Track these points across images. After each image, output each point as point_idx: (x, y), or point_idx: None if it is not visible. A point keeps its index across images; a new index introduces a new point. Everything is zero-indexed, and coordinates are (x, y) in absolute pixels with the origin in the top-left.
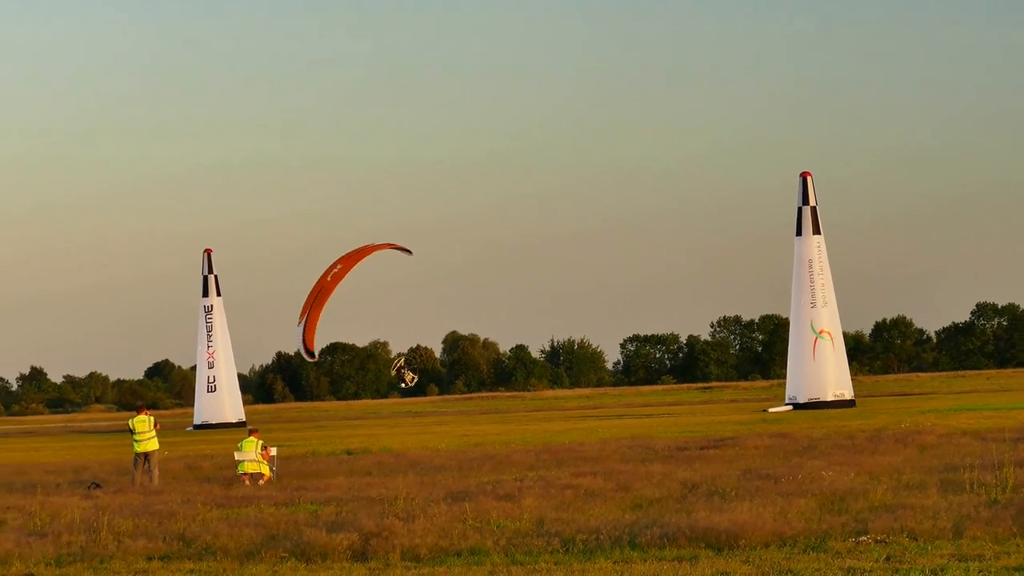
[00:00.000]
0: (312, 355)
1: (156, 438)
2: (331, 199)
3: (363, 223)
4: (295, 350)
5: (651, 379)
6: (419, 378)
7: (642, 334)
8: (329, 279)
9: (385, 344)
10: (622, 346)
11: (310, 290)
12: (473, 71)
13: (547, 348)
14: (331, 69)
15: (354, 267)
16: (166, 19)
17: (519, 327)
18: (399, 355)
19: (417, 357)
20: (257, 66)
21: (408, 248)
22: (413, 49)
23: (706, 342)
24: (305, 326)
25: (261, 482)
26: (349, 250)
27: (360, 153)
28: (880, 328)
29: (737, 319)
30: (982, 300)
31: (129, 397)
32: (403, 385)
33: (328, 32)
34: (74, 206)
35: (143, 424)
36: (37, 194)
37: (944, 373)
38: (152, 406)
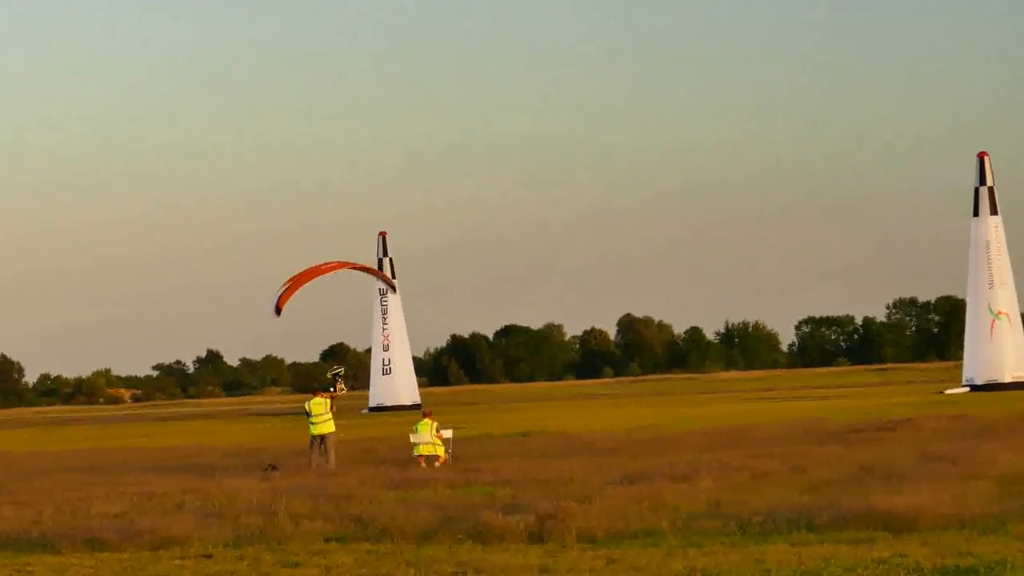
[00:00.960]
0: (278, 313)
1: (332, 420)
2: (507, 183)
3: (535, 208)
4: (470, 332)
5: (826, 361)
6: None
7: (817, 316)
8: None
9: (560, 327)
10: (797, 328)
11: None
12: (669, 60)
13: (721, 330)
14: (520, 51)
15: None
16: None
17: (693, 309)
18: (336, 368)
19: (350, 371)
20: (438, 49)
21: (391, 282)
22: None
23: (882, 323)
24: (285, 291)
25: (437, 464)
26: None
27: (537, 137)
28: None
29: (913, 300)
30: None
31: (305, 379)
32: (332, 391)
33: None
34: (252, 193)
35: (319, 406)
36: (218, 184)
37: None
38: (327, 388)
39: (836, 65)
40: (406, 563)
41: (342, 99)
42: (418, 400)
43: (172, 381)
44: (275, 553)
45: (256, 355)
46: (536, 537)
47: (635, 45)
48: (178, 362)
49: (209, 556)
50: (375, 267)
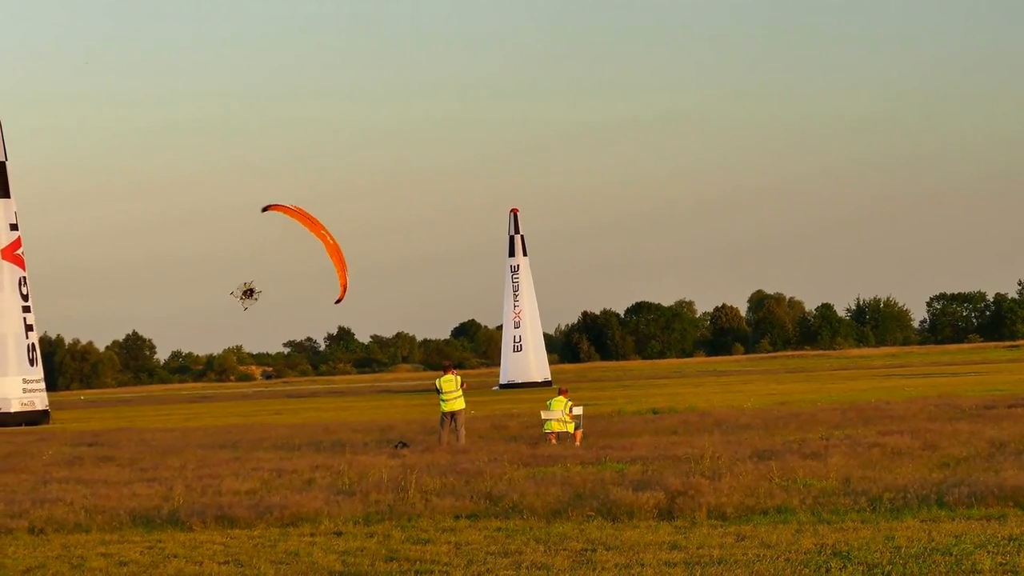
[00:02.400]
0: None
1: (463, 397)
2: (638, 161)
3: (667, 186)
4: (600, 309)
5: (958, 337)
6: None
7: (948, 292)
8: (331, 241)
9: (691, 303)
10: (928, 304)
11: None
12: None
13: (853, 307)
14: (653, 29)
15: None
16: None
17: (825, 286)
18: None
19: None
20: (573, 31)
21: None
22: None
23: (1014, 300)
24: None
25: (576, 443)
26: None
27: (668, 116)
28: None
29: None
30: None
31: (435, 357)
32: (244, 304)
33: None
34: (384, 174)
35: (450, 383)
36: (351, 167)
37: None
38: (459, 366)
39: (971, 49)
40: (536, 540)
41: (474, 79)
42: (548, 377)
43: (303, 358)
44: (405, 530)
45: (387, 332)
46: (666, 514)
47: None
48: (309, 339)
49: (339, 533)
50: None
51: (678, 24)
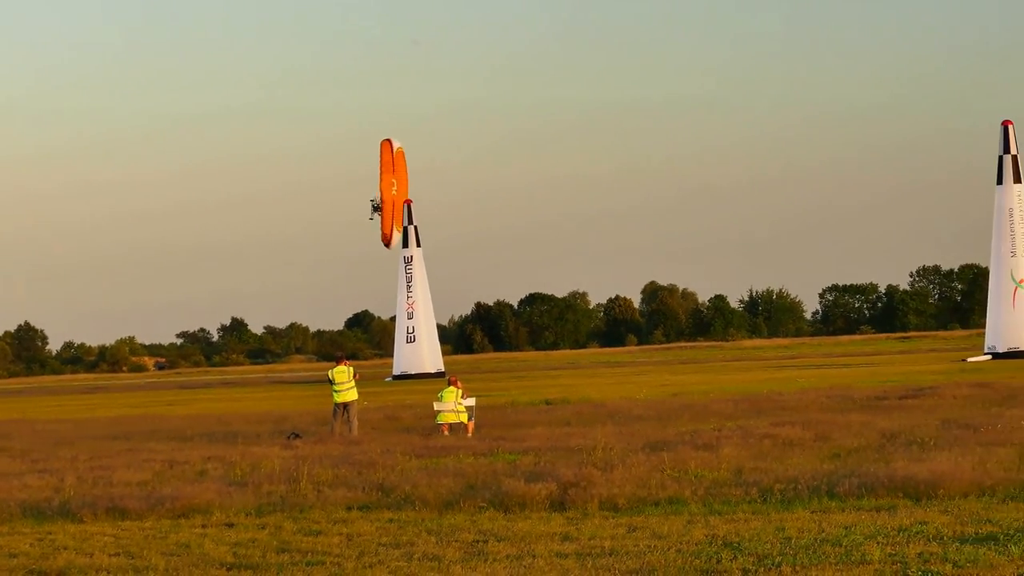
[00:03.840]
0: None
1: (356, 388)
2: (531, 152)
3: (560, 176)
4: (494, 300)
5: (850, 329)
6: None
7: (841, 284)
8: (394, 192)
9: (584, 294)
10: (820, 296)
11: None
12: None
13: (746, 298)
14: (529, 17)
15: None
16: None
17: (718, 277)
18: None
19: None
20: (462, 15)
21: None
22: None
23: (905, 292)
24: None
25: (468, 433)
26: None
27: (558, 98)
28: None
29: (936, 268)
30: None
31: (329, 348)
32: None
33: None
34: (278, 156)
35: (343, 374)
36: (248, 145)
37: None
38: (352, 356)
39: (852, 31)
40: (427, 531)
41: (319, 70)
42: (442, 368)
43: (196, 349)
44: (297, 521)
45: (280, 323)
46: (558, 505)
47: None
48: (202, 330)
49: (231, 524)
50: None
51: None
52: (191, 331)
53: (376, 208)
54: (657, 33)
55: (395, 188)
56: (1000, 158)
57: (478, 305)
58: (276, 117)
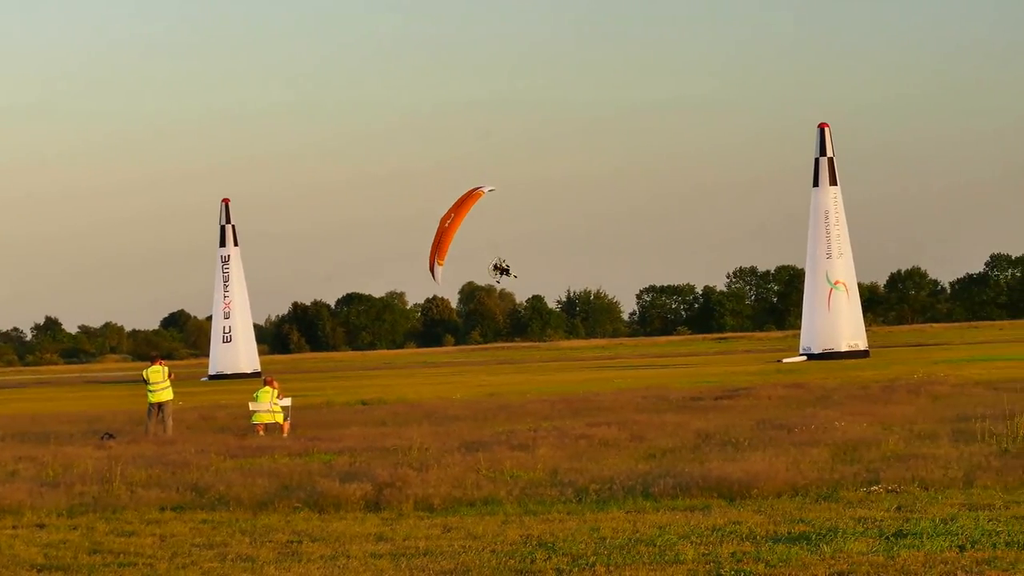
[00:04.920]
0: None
1: (170, 388)
2: (355, 154)
3: (376, 167)
4: (311, 300)
5: (667, 330)
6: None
7: (658, 285)
8: (447, 224)
9: (402, 295)
10: (638, 297)
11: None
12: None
13: (563, 298)
14: (340, 19)
15: (464, 215)
16: None
17: (535, 278)
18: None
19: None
20: (271, 14)
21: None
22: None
23: (722, 293)
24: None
25: (284, 434)
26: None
27: (375, 99)
28: (895, 279)
29: (753, 270)
30: (996, 251)
31: (144, 347)
32: (501, 277)
33: None
34: (90, 153)
35: (157, 374)
36: (53, 141)
37: (958, 324)
38: (167, 356)
39: (672, 29)
40: (241, 532)
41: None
42: (258, 368)
43: (9, 348)
44: (110, 522)
45: (95, 322)
46: (373, 505)
47: None
48: (15, 329)
49: (42, 526)
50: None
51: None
52: (4, 330)
53: (503, 271)
54: (460, 37)
55: (449, 221)
56: (816, 160)
57: (295, 305)
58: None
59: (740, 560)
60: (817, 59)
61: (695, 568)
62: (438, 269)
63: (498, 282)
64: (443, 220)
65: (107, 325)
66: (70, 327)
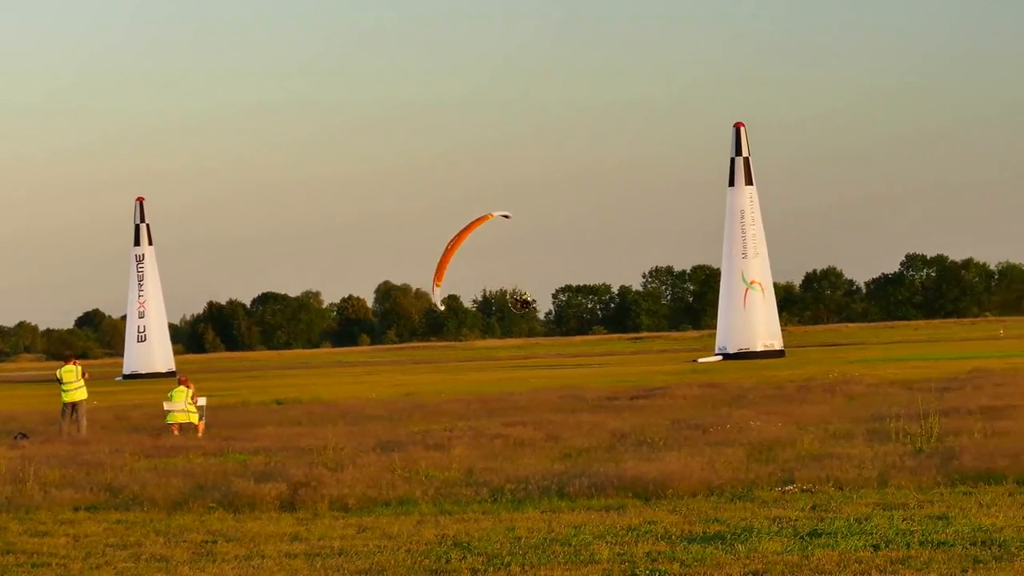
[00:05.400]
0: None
1: (85, 388)
2: (265, 147)
3: (294, 170)
4: (226, 299)
5: (582, 329)
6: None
7: (574, 284)
8: (449, 247)
9: (317, 294)
10: (554, 296)
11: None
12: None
13: (479, 298)
14: (257, 16)
15: (465, 237)
16: None
17: (451, 277)
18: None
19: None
20: (199, 15)
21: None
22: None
23: (637, 292)
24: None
25: (199, 434)
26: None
27: (295, 99)
28: (810, 279)
29: (669, 269)
30: (911, 251)
31: (58, 347)
32: (524, 309)
33: None
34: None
35: (71, 374)
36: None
37: (873, 324)
38: (82, 356)
39: (593, 31)
40: (156, 532)
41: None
42: (173, 367)
43: None
44: (23, 522)
45: (8, 322)
46: (288, 505)
47: None
48: None
49: None
50: None
51: None
52: None
53: (524, 304)
54: (432, 37)
55: (451, 244)
56: (732, 160)
57: (210, 304)
58: None
59: (655, 560)
60: (733, 58)
61: (610, 568)
62: (436, 291)
63: (522, 316)
64: (449, 243)
65: (21, 324)
66: None
